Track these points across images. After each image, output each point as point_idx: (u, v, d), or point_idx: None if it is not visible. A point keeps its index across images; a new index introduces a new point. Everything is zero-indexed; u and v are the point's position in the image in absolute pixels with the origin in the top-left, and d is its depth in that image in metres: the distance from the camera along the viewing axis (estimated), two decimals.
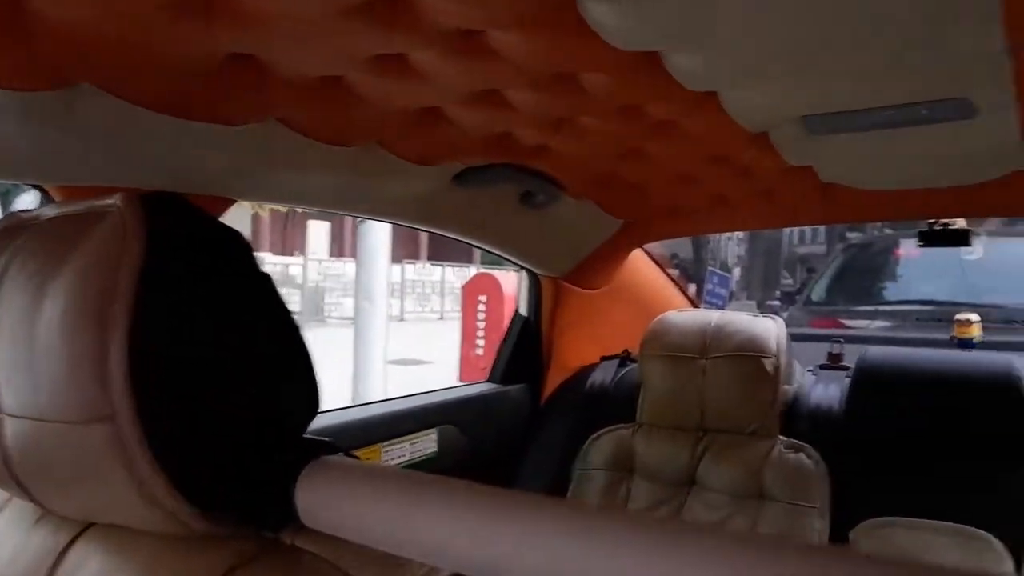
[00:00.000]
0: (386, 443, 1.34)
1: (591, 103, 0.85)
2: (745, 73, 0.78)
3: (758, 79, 0.79)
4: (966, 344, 1.55)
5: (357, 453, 1.28)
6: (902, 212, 1.43)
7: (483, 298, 6.89)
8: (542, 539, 0.39)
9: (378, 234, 4.91)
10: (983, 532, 1.16)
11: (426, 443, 1.42)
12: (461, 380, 7.12)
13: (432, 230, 1.24)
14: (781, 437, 1.38)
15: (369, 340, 5.08)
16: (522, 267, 1.62)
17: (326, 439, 0.62)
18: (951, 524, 1.18)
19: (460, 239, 1.37)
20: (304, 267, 12.69)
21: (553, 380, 1.74)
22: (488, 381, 1.70)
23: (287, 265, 13.71)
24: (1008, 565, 1.12)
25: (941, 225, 1.36)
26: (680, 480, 1.43)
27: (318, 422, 1.24)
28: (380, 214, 1.19)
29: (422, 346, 10.21)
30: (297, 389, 0.57)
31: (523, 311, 1.72)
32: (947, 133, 0.91)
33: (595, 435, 1.54)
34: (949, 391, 1.26)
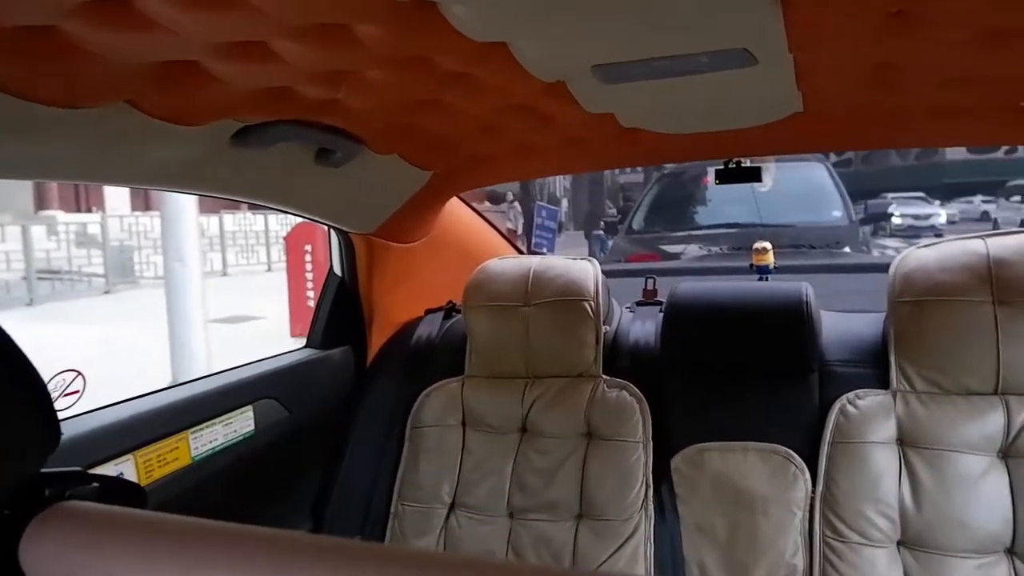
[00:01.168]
0: (194, 429, 1.22)
1: (371, 55, 0.77)
2: (526, 24, 0.74)
3: (542, 30, 0.76)
4: (763, 271, 1.67)
5: (161, 444, 1.17)
6: (699, 153, 1.49)
7: (308, 247, 6.61)
8: None
9: None
10: (784, 448, 1.26)
11: (241, 422, 1.32)
12: (293, 335, 6.84)
13: (216, 195, 1.11)
14: (604, 376, 1.42)
15: (184, 301, 4.70)
16: (328, 225, 1.51)
17: (75, 469, 0.52)
18: (757, 444, 1.28)
19: (252, 202, 1.24)
20: (103, 225, 11.48)
21: (378, 339, 1.68)
22: (307, 347, 1.61)
23: (85, 224, 12.34)
24: (807, 474, 1.23)
25: (735, 163, 1.43)
26: (512, 428, 1.44)
27: (109, 418, 1.11)
28: (145, 182, 1.04)
29: (249, 301, 9.69)
30: (24, 425, 0.47)
31: (337, 270, 1.62)
32: (731, 80, 0.94)
33: (425, 391, 1.52)
34: (748, 320, 1.34)
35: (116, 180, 0.96)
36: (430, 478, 1.45)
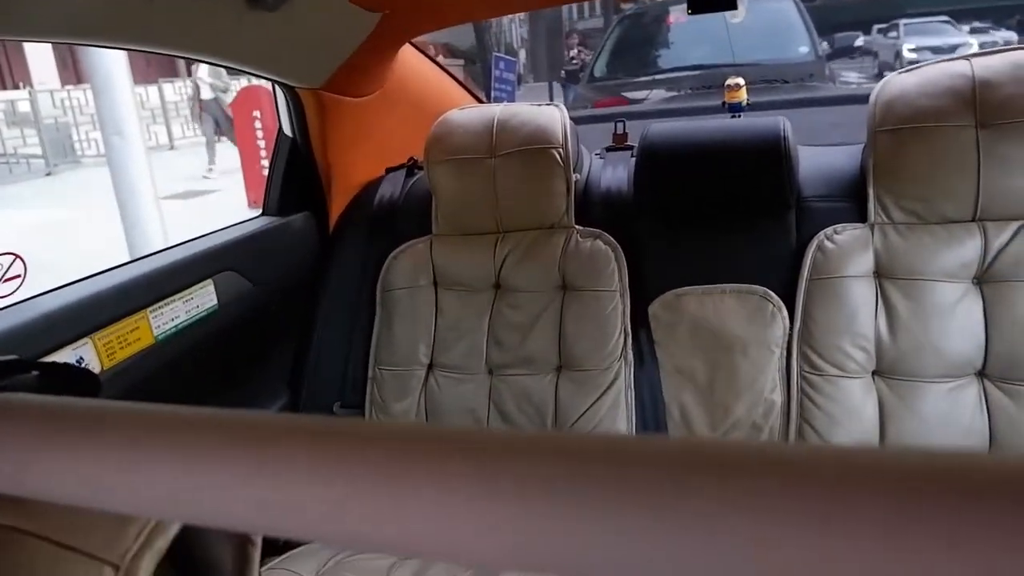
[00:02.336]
0: (153, 307, 1.16)
1: None
2: None
3: None
4: (736, 108, 1.59)
5: (120, 325, 1.11)
6: None
7: (257, 113, 6.27)
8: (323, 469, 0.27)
9: (110, 53, 4.13)
10: (761, 288, 1.25)
11: (203, 297, 1.26)
12: (250, 205, 6.65)
13: (137, 48, 0.98)
14: (577, 227, 1.38)
15: (129, 178, 4.46)
16: (270, 80, 1.38)
17: (10, 358, 0.46)
18: (734, 285, 1.27)
19: (178, 56, 1.11)
20: (33, 101, 10.73)
21: (338, 203, 1.59)
22: (264, 215, 1.52)
23: (13, 102, 11.54)
24: (784, 312, 1.23)
25: None
26: (485, 285, 1.41)
27: (60, 301, 1.04)
28: (53, 34, 0.91)
29: (202, 174, 9.34)
30: None
31: (287, 131, 1.50)
32: None
33: (392, 254, 1.47)
34: (724, 159, 1.29)
35: (19, 32, 0.83)
36: (405, 341, 1.42)
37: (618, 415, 1.28)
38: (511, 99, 2.54)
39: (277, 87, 1.43)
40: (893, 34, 12.96)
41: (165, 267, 1.20)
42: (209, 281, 1.27)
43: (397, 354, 1.42)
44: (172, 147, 12.61)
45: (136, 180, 4.52)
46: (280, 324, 1.49)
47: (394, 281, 1.45)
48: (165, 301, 1.19)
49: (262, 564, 1.33)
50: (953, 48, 11.40)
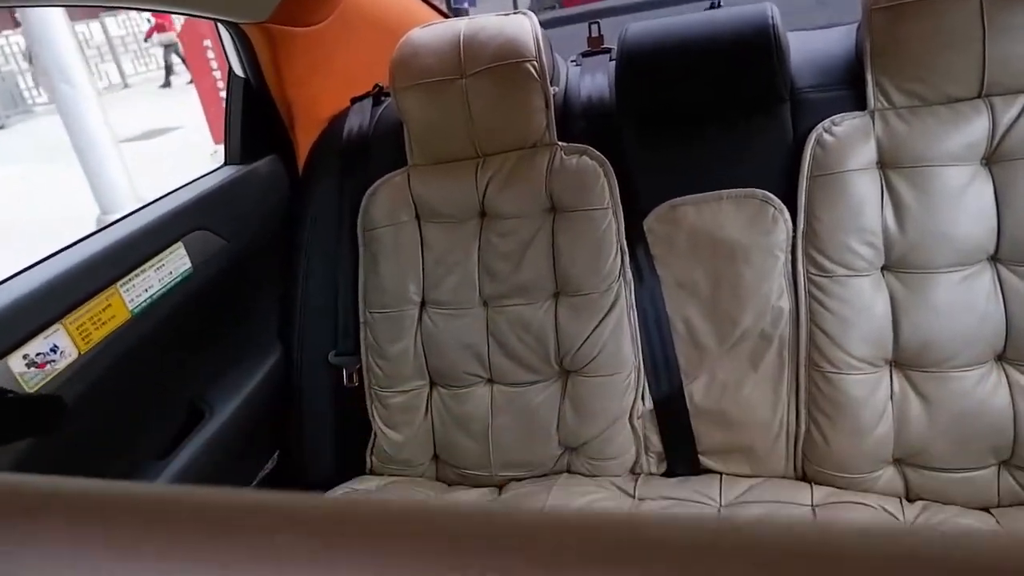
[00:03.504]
0: (123, 280, 1.10)
1: None
2: None
3: None
4: None
5: (91, 304, 1.05)
6: None
7: (208, 43, 5.94)
8: None
9: None
10: (760, 191, 1.19)
11: (175, 262, 1.19)
12: (217, 141, 6.41)
13: (60, 3, 0.87)
14: (560, 143, 1.30)
15: (86, 127, 4.25)
16: (210, 19, 1.26)
17: None
18: (732, 191, 1.20)
19: (109, 6, 1.00)
20: None
21: (305, 142, 1.50)
22: (227, 164, 1.43)
23: None
24: (786, 215, 1.17)
25: None
26: (470, 215, 1.34)
27: (21, 288, 0.97)
28: None
29: (164, 111, 9.02)
30: None
31: (238, 71, 1.39)
32: None
33: (369, 191, 1.39)
34: (711, 54, 1.20)
35: None
36: (393, 280, 1.37)
37: (622, 337, 1.24)
38: (472, 4, 2.38)
39: (220, 26, 1.31)
40: None
41: (131, 235, 1.13)
42: (179, 244, 1.20)
43: (387, 295, 1.37)
44: (126, 85, 12.09)
45: (92, 127, 4.31)
46: (261, 278, 1.43)
47: (374, 219, 1.38)
48: (136, 272, 1.12)
49: None
50: None
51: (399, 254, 1.37)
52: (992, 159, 1.09)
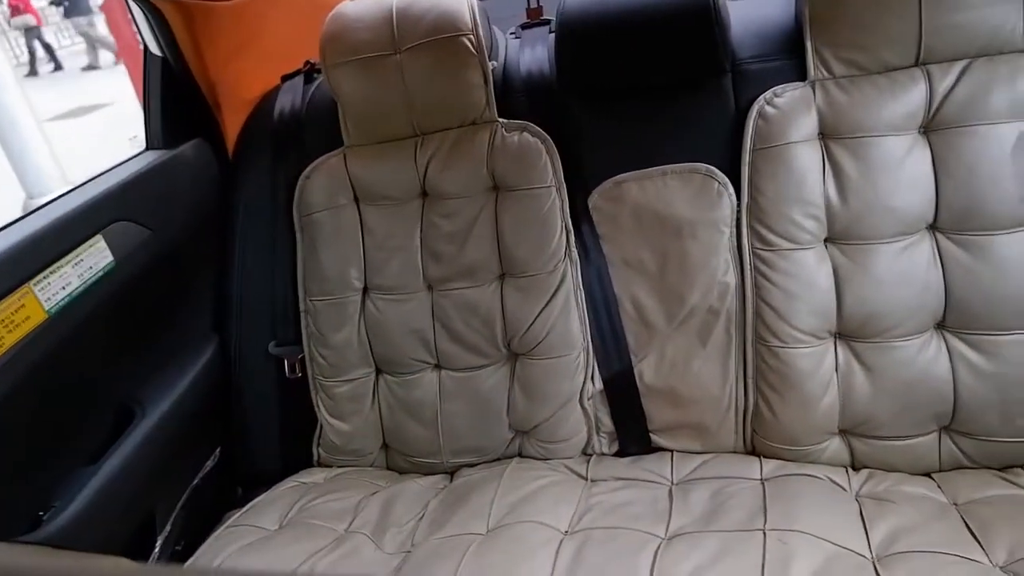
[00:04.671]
0: (37, 278, 1.02)
1: None
2: None
3: None
4: None
5: (1, 307, 0.97)
6: None
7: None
8: None
9: None
10: (704, 165, 1.17)
11: (95, 256, 1.12)
12: None
13: None
14: (500, 120, 1.26)
15: (4, 107, 4.01)
16: None
17: None
18: (675, 166, 1.18)
19: None
20: None
21: (233, 124, 1.42)
22: (148, 149, 1.34)
23: None
24: (730, 189, 1.16)
25: None
26: (411, 196, 1.30)
27: None
28: None
29: (93, 86, 8.62)
30: None
31: (154, 50, 1.30)
32: None
33: (304, 173, 1.34)
34: (652, 26, 1.16)
35: None
36: (334, 266, 1.32)
37: (570, 318, 1.22)
38: None
39: (130, 2, 1.22)
40: None
41: (43, 230, 1.05)
42: (98, 236, 1.13)
43: (328, 282, 1.32)
44: (53, 62, 11.49)
45: (11, 106, 4.07)
46: (193, 268, 1.36)
47: (311, 203, 1.33)
48: (51, 268, 1.04)
49: (224, 519, 1.28)
50: None
51: (339, 239, 1.32)
52: (930, 127, 1.09)
